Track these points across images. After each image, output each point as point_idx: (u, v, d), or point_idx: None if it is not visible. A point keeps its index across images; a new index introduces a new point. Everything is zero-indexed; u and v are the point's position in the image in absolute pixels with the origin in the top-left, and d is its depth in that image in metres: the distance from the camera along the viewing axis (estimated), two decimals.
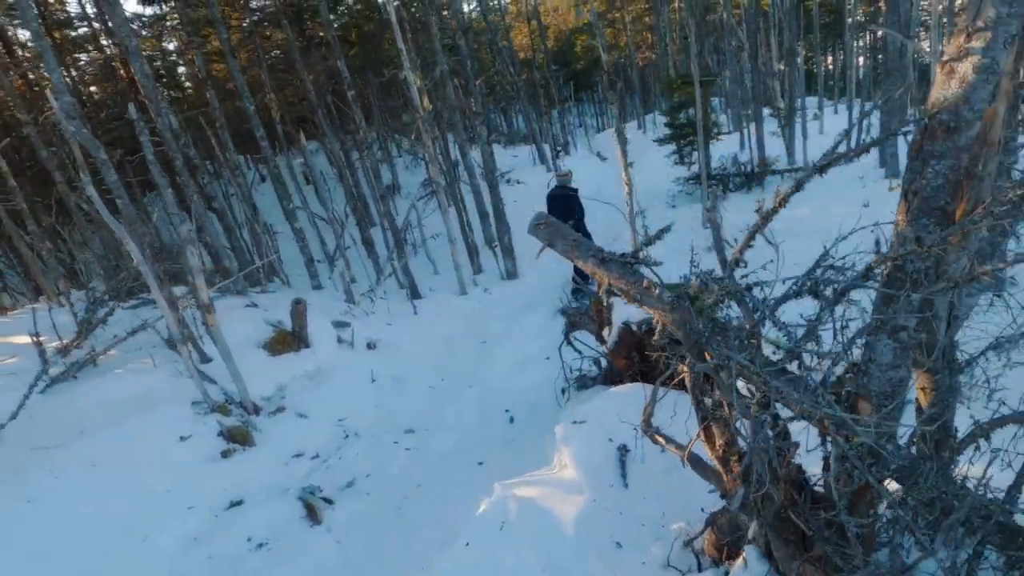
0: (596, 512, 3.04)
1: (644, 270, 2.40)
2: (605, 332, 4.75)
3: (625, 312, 4.57)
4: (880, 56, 19.40)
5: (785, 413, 2.08)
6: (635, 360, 4.48)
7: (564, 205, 9.21)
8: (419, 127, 8.00)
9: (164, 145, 6.40)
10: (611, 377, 5.37)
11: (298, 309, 6.19)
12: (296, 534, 4.17)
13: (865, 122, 12.77)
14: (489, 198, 9.88)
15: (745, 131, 14.35)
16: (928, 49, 16.16)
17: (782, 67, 13.55)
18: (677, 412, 3.38)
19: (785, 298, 2.05)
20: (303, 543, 4.07)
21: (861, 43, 18.70)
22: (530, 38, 23.08)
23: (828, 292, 1.94)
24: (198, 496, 4.39)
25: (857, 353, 2.04)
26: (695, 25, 10.84)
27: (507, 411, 6.03)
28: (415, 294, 8.71)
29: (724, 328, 2.02)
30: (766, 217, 2.08)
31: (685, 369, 2.82)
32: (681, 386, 4.00)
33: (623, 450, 3.47)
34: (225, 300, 6.99)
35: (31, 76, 12.36)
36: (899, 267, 1.79)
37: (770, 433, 1.94)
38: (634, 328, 4.32)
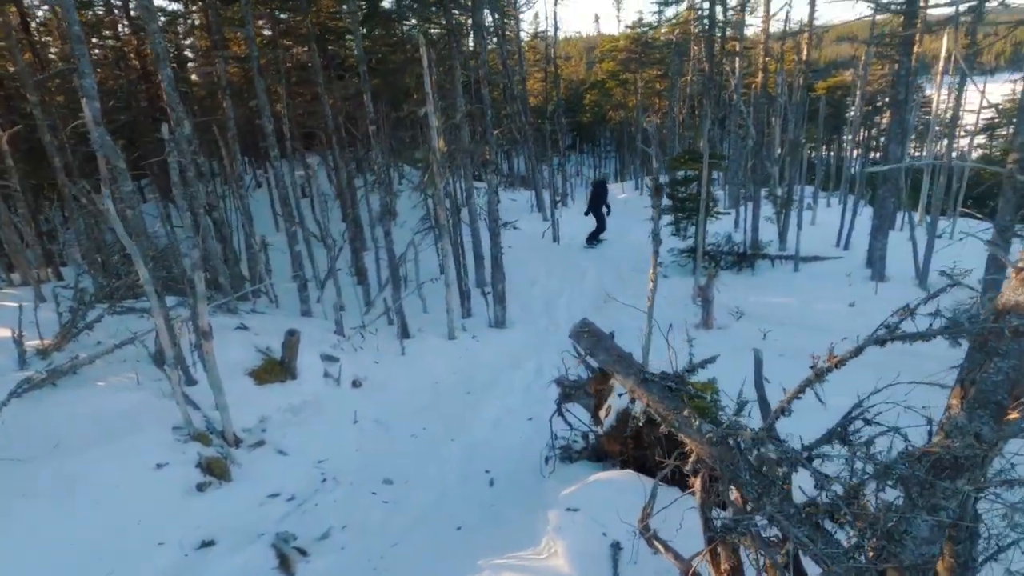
0: None
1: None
2: (602, 413, 4.84)
3: (625, 398, 4.67)
4: (872, 155, 20.44)
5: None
6: (629, 447, 4.56)
7: (601, 189, 15.18)
8: (433, 169, 8.15)
9: (181, 156, 6.40)
10: (598, 455, 5.44)
11: (291, 341, 6.16)
12: None
13: (856, 219, 13.37)
14: (489, 244, 10.02)
15: (741, 211, 14.87)
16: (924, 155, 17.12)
17: (783, 154, 14.17)
18: (670, 512, 3.46)
19: (819, 444, 2.16)
20: None
21: (858, 138, 19.67)
22: (544, 84, 23.74)
23: (861, 449, 2.05)
24: (169, 531, 4.27)
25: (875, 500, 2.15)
26: (710, 105, 11.33)
27: (487, 472, 6.02)
28: (404, 333, 8.71)
29: (760, 472, 2.12)
30: (819, 374, 2.19)
31: (696, 484, 2.91)
32: (675, 482, 4.09)
33: (616, 547, 3.51)
34: (215, 319, 6.90)
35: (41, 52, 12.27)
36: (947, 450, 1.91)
37: None
38: (634, 417, 4.42)
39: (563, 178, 20.63)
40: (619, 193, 22.85)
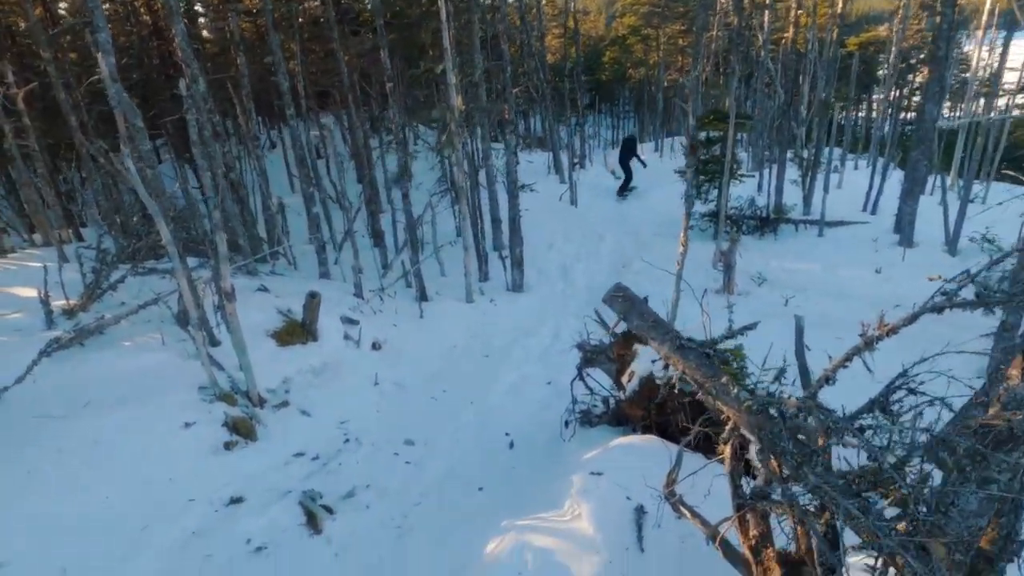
0: None
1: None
2: (624, 378, 4.83)
3: (648, 362, 4.66)
4: (904, 116, 19.75)
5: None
6: (651, 412, 4.56)
7: (631, 143, 16.24)
8: (451, 128, 8.00)
9: (197, 112, 6.33)
10: (619, 419, 5.46)
11: (312, 303, 6.19)
12: (295, 541, 4.19)
13: (885, 183, 13.01)
14: (507, 207, 9.91)
15: (765, 174, 14.52)
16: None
17: (811, 114, 13.73)
18: (696, 478, 3.47)
19: (859, 414, 2.12)
20: (302, 552, 4.10)
21: (890, 97, 19.01)
22: (563, 40, 23.06)
23: (906, 420, 2.00)
24: (199, 488, 4.40)
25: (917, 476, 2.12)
26: (737, 61, 10.93)
27: (507, 435, 6.09)
28: (423, 296, 8.73)
29: (799, 441, 2.09)
30: (869, 342, 2.13)
31: (725, 451, 2.90)
32: (699, 448, 4.10)
33: (640, 511, 3.55)
34: (236, 280, 6.94)
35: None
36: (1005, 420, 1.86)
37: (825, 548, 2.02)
38: (658, 382, 4.41)
39: (582, 139, 20.21)
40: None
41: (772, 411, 2.14)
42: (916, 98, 22.47)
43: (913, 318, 2.10)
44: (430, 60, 9.46)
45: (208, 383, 5.04)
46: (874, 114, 19.82)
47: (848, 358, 2.17)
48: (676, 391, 4.38)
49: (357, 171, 11.73)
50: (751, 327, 2.64)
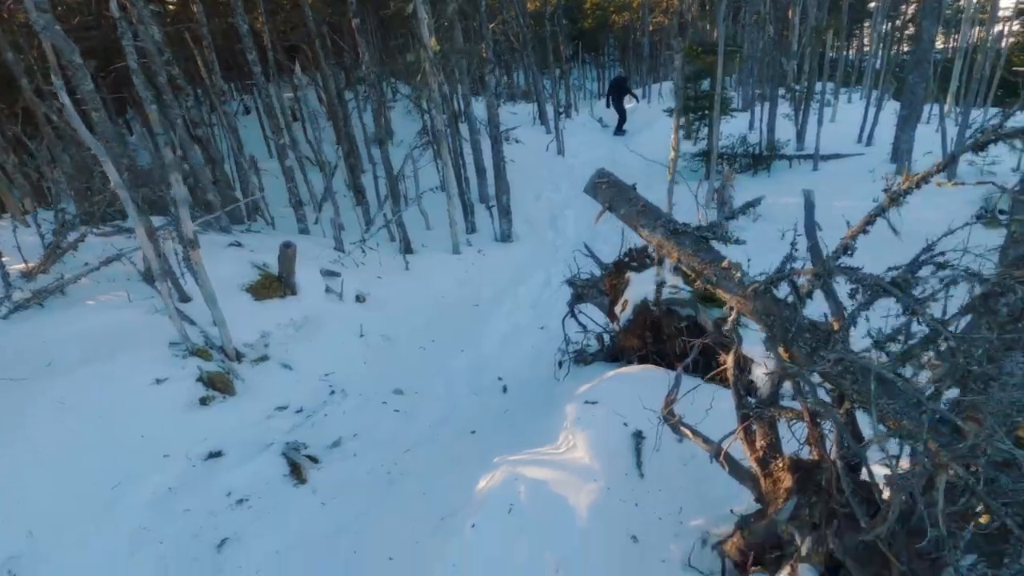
0: (611, 503, 2.91)
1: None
2: (618, 308, 4.59)
3: (642, 289, 4.40)
4: (897, 48, 19.18)
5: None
6: (648, 341, 4.33)
7: (622, 82, 17.05)
8: (425, 68, 7.56)
9: (146, 58, 5.88)
10: (614, 354, 5.24)
11: (287, 253, 5.87)
12: (279, 492, 3.99)
13: (880, 113, 12.62)
14: (491, 154, 9.51)
15: (756, 111, 14.09)
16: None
17: (803, 47, 13.23)
18: (695, 397, 3.26)
19: (877, 294, 1.87)
20: (286, 502, 3.90)
21: (883, 29, 18.43)
22: None
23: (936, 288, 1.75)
24: (174, 444, 4.17)
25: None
26: None
27: (500, 379, 5.89)
28: (407, 248, 8.41)
29: (813, 325, 1.83)
30: (894, 198, 1.86)
31: (728, 361, 2.66)
32: (698, 372, 3.88)
33: (638, 436, 3.34)
34: (207, 237, 6.61)
35: None
36: None
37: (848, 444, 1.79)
38: (652, 307, 4.16)
39: (566, 89, 19.60)
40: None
41: (779, 292, 1.88)
42: (908, 31, 21.84)
43: (948, 162, 1.83)
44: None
45: (179, 338, 4.77)
46: (866, 48, 19.24)
47: (870, 220, 1.93)
48: (672, 314, 4.14)
49: (334, 129, 11.25)
50: (755, 203, 2.36)
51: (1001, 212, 8.53)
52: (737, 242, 2.22)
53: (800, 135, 12.86)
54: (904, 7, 21.57)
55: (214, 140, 10.65)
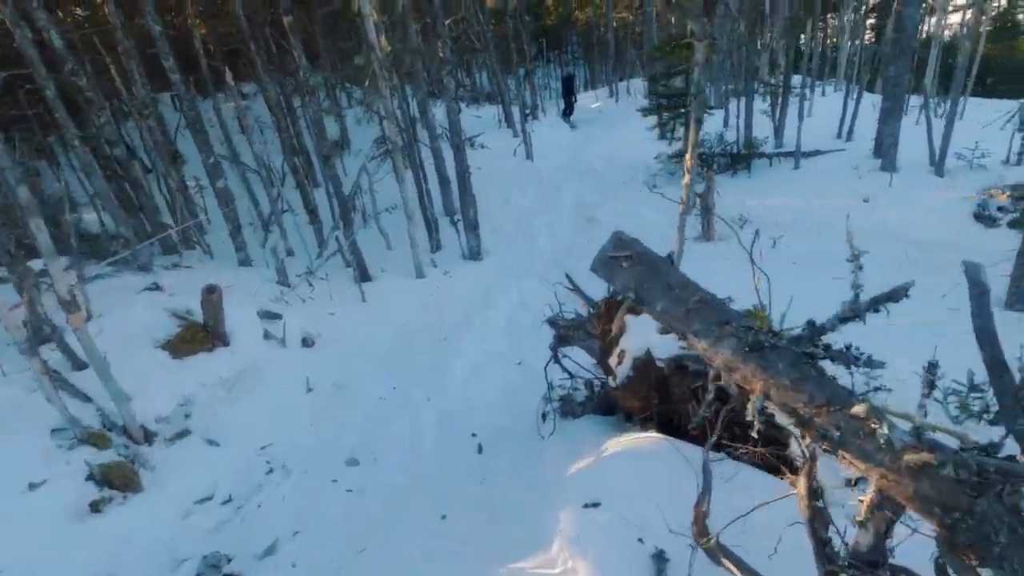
0: None
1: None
2: (613, 360, 3.75)
3: (643, 338, 3.57)
4: (872, 38, 18.86)
5: None
6: (654, 403, 3.50)
7: (570, 81, 18.26)
8: (375, 70, 6.63)
9: (29, 67, 4.82)
10: (606, 406, 4.41)
11: (211, 299, 4.88)
12: None
13: (858, 107, 12.10)
14: (453, 163, 8.60)
15: (731, 108, 13.47)
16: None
17: (777, 40, 12.66)
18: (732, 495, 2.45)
19: None
20: None
21: (852, 19, 18.09)
22: None
23: None
24: (51, 574, 3.17)
25: None
26: None
27: (473, 435, 5.00)
28: (364, 276, 7.46)
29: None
30: None
31: (799, 486, 1.83)
32: (722, 447, 3.06)
33: (660, 559, 2.49)
34: (120, 279, 5.57)
35: None
36: None
37: None
38: (660, 364, 3.33)
39: (531, 89, 18.78)
40: (592, 102, 21.14)
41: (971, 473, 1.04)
42: (872, 20, 21.65)
43: None
44: None
45: (65, 422, 3.75)
46: (831, 40, 18.87)
47: None
48: (684, 371, 3.32)
49: (280, 140, 10.21)
50: (904, 290, 1.50)
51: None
52: (870, 364, 1.35)
53: (778, 132, 12.27)
54: None
55: (137, 154, 9.50)
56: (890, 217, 8.61)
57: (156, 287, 5.62)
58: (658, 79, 11.60)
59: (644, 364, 3.44)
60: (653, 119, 12.84)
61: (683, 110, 11.09)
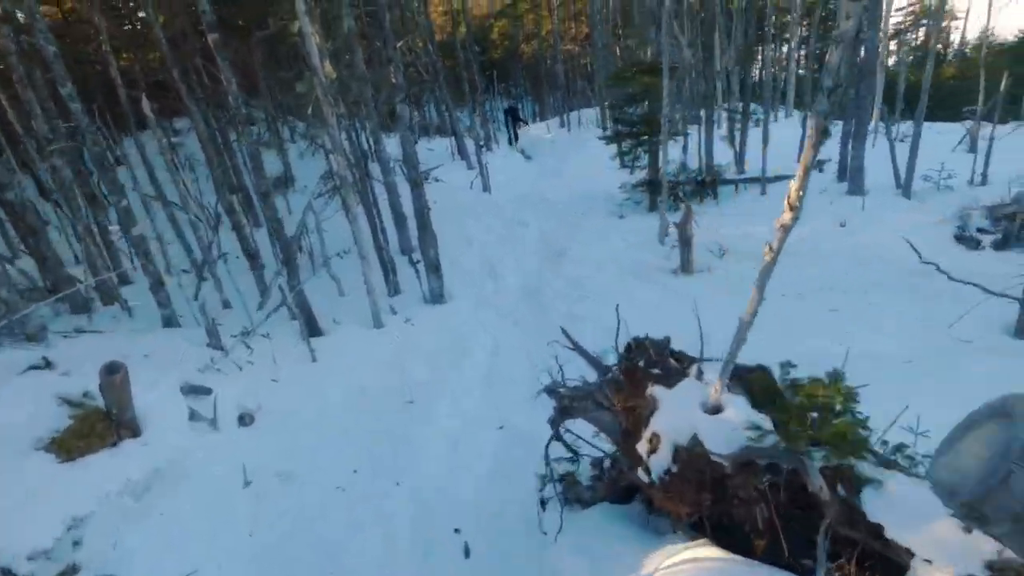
0: None
1: None
2: (641, 444, 2.89)
3: (684, 418, 2.73)
4: (813, 66, 19.26)
5: None
6: (705, 505, 2.65)
7: (514, 111, 18.49)
8: (318, 97, 5.72)
9: None
10: (621, 491, 3.54)
11: (112, 381, 3.76)
12: None
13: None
14: (411, 199, 7.69)
15: (689, 136, 13.17)
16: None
17: (731, 67, 12.47)
18: None
19: None
20: None
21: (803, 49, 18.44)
22: (448, 18, 20.83)
23: None
24: None
25: None
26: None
27: (457, 531, 4.03)
28: (313, 330, 6.40)
29: None
30: None
31: None
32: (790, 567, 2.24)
33: None
34: None
35: None
36: None
37: None
38: (718, 460, 2.49)
39: (483, 120, 18.19)
40: (544, 133, 20.76)
41: None
42: (801, 50, 22.22)
43: None
44: (284, 17, 7.01)
45: None
46: (774, 69, 19.14)
47: None
48: (749, 467, 2.49)
49: (215, 177, 9.06)
50: None
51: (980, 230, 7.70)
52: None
53: (740, 158, 11.99)
54: (807, 23, 21.89)
55: (66, 203, 8.15)
56: (868, 241, 8.23)
57: (46, 364, 4.42)
58: (618, 107, 11.12)
59: (692, 457, 2.59)
60: (613, 147, 12.36)
61: (645, 137, 10.60)
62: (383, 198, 9.25)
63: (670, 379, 2.96)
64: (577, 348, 3.81)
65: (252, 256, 7.70)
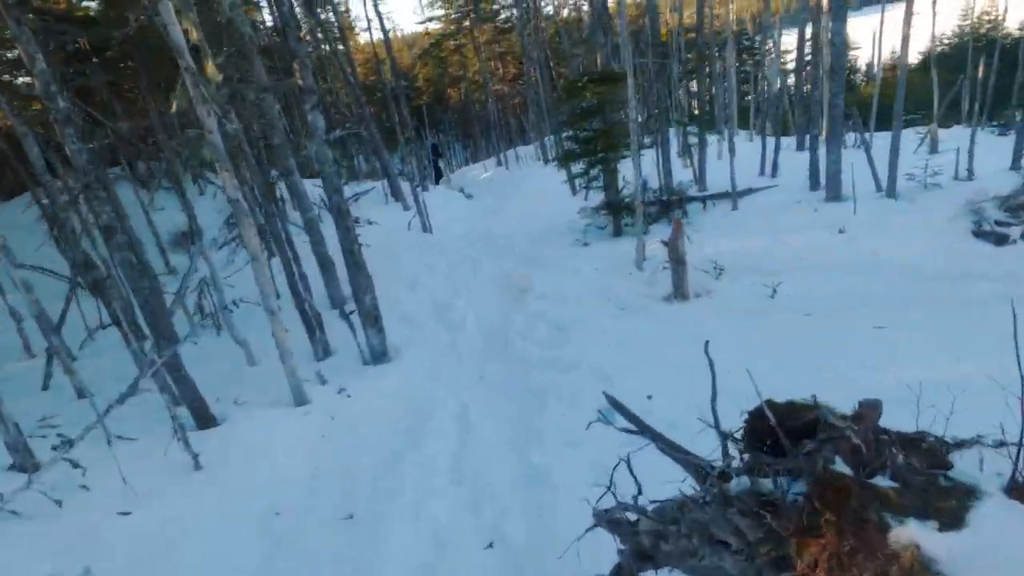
0: None
1: None
2: None
3: None
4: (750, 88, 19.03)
5: None
6: None
7: (437, 148, 19.06)
8: (188, 89, 3.90)
9: None
10: None
11: None
12: None
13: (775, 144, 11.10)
14: (339, 237, 5.84)
15: (642, 155, 12.05)
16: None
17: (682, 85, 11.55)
18: None
19: None
20: None
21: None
22: (371, 65, 19.48)
23: None
24: None
25: None
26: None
27: None
28: (201, 419, 4.33)
29: None
30: None
31: None
32: None
33: None
34: None
35: None
36: None
37: None
38: None
39: (417, 160, 16.65)
40: (481, 173, 19.46)
41: None
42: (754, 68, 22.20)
43: None
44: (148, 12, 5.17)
45: None
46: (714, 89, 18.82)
47: None
48: None
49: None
50: None
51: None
52: None
53: (700, 175, 10.90)
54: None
55: None
56: (876, 247, 7.04)
57: None
58: (570, 123, 9.79)
59: None
60: (564, 174, 11.02)
61: (602, 155, 9.27)
62: (303, 242, 7.36)
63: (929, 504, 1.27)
64: (642, 427, 2.06)
65: (119, 324, 5.56)
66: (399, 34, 27.54)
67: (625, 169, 10.18)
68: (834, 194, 8.83)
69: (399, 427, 4.90)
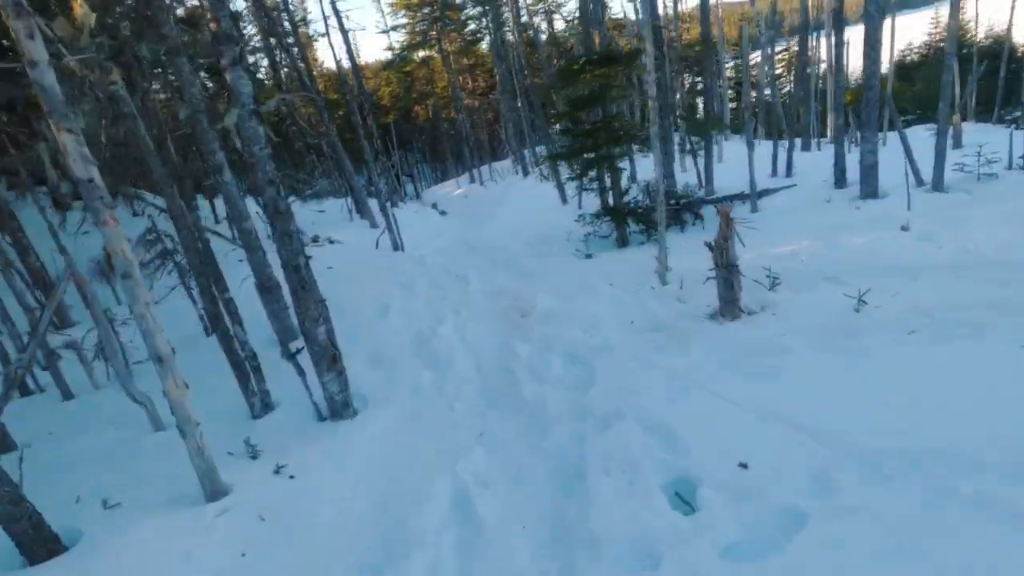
0: None
1: None
2: None
3: None
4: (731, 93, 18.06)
5: None
6: None
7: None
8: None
9: None
10: None
11: None
12: None
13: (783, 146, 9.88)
14: (274, 241, 4.10)
15: (637, 157, 10.68)
16: None
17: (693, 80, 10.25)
18: None
19: None
20: None
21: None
22: (336, 83, 17.87)
23: None
24: None
25: None
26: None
27: None
28: (34, 550, 2.50)
29: None
30: None
31: None
32: None
33: None
34: None
35: None
36: None
37: None
38: None
39: (394, 178, 15.02)
40: (454, 190, 17.94)
41: None
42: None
43: None
44: None
45: None
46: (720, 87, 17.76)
47: None
48: None
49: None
50: None
51: None
52: None
53: (706, 176, 9.55)
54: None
55: None
56: (963, 242, 5.65)
57: None
58: (565, 115, 8.29)
59: None
60: (551, 184, 9.49)
61: (605, 149, 7.77)
62: (239, 259, 5.58)
63: None
64: None
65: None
66: (362, 60, 25.84)
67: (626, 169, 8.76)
68: (871, 190, 7.53)
69: (367, 532, 3.15)
